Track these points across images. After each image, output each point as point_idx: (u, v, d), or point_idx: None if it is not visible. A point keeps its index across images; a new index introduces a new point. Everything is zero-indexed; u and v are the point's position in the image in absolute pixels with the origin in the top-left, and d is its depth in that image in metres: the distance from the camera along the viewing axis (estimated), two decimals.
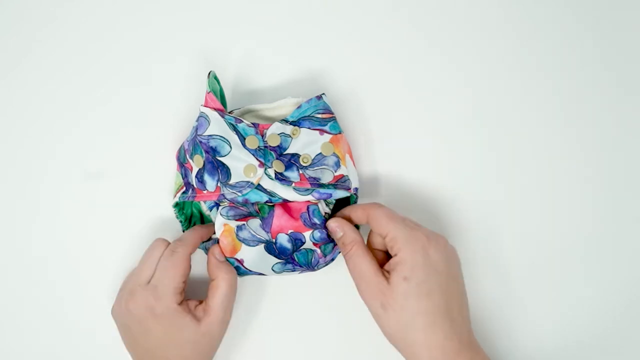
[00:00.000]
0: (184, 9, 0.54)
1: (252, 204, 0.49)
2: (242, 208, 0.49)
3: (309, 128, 0.49)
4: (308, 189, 0.47)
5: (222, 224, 0.48)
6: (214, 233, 0.49)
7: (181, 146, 0.51)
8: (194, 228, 0.50)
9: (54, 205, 0.53)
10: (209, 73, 0.48)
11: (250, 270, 0.49)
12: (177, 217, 0.51)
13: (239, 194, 0.47)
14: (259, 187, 0.47)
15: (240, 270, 0.49)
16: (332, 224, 0.48)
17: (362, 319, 0.49)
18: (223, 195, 0.47)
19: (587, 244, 0.54)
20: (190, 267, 0.48)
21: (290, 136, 0.48)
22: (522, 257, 0.53)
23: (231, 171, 0.47)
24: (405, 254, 0.44)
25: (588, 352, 0.53)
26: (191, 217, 0.52)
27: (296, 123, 0.49)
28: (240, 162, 0.47)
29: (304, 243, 0.48)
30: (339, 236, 0.47)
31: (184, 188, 0.49)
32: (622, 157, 0.54)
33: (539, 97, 0.55)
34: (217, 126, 0.47)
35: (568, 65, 0.55)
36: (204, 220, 0.53)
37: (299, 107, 0.49)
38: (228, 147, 0.47)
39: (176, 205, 0.50)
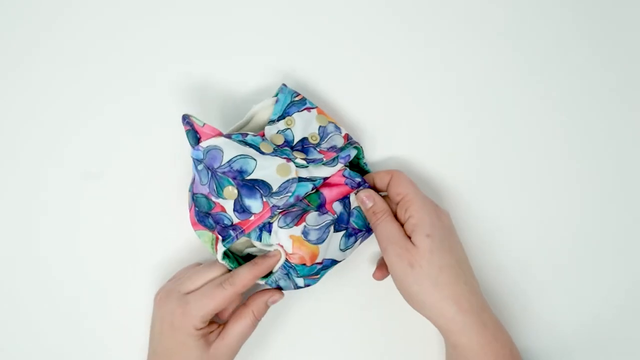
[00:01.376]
0: (185, 14, 0.55)
1: (301, 199, 0.48)
2: (294, 210, 0.48)
3: (298, 111, 0.50)
4: (335, 158, 0.48)
5: (287, 235, 0.47)
6: (271, 270, 0.48)
7: (192, 203, 0.48)
8: (250, 269, 0.47)
9: (54, 205, 0.53)
10: (183, 118, 0.46)
11: (326, 267, 0.48)
12: (229, 266, 0.48)
13: (289, 194, 0.46)
14: (300, 180, 0.47)
15: (320, 272, 0.48)
16: (362, 194, 0.49)
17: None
18: (275, 206, 0.46)
19: (585, 243, 0.54)
20: (226, 304, 0.47)
21: (288, 128, 0.49)
22: (520, 254, 0.54)
23: (268, 181, 0.46)
24: (423, 215, 0.47)
25: (586, 350, 0.53)
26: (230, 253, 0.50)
27: (284, 114, 0.49)
28: (270, 169, 0.46)
29: (350, 203, 0.49)
30: (369, 206, 0.49)
31: (220, 236, 0.47)
32: (618, 157, 0.54)
33: (535, 94, 0.55)
34: (232, 148, 0.46)
35: (569, 66, 0.55)
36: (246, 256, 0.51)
37: (277, 102, 0.50)
38: (253, 161, 0.46)
39: (224, 257, 0.48)
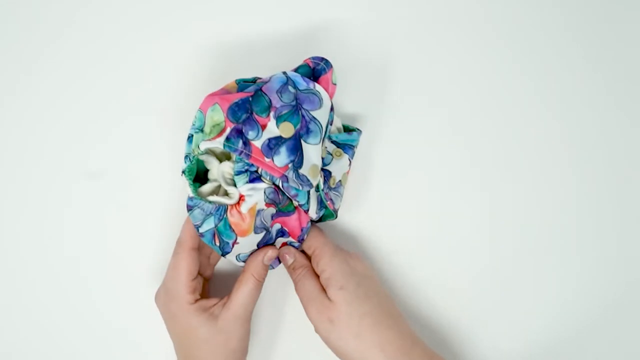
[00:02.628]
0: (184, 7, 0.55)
1: (289, 199, 0.46)
2: (280, 197, 0.45)
3: (349, 158, 0.48)
4: (327, 210, 0.48)
5: (254, 201, 0.44)
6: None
7: (261, 93, 0.44)
8: (186, 221, 0.47)
9: (54, 205, 0.53)
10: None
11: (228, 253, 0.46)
12: (186, 169, 0.45)
13: (300, 187, 0.44)
14: (308, 192, 0.45)
15: (224, 250, 0.46)
16: (283, 250, 0.48)
17: None
18: (286, 177, 0.43)
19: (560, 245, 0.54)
20: (195, 263, 0.46)
21: (332, 155, 0.47)
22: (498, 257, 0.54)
23: (304, 162, 0.44)
24: (334, 267, 0.46)
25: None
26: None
27: (341, 146, 0.48)
28: (313, 159, 0.44)
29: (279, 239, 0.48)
30: (290, 263, 0.48)
31: (226, 134, 0.43)
32: (603, 156, 0.55)
33: (530, 94, 0.55)
34: (324, 115, 0.44)
35: (564, 66, 0.55)
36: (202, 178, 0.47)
37: (350, 133, 0.48)
38: (319, 139, 0.44)
39: (187, 159, 0.45)
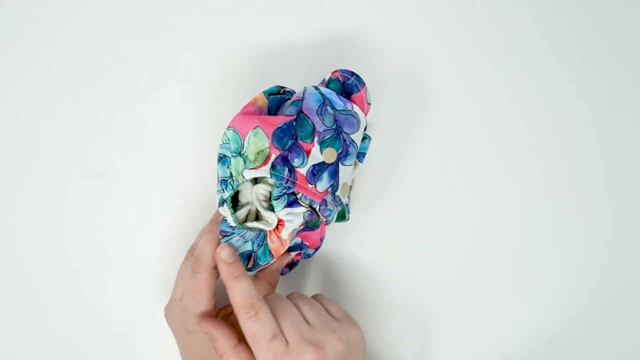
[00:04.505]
0: (198, 17, 0.55)
1: (318, 216, 0.45)
2: (314, 217, 0.45)
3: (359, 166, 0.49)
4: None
5: (295, 226, 0.43)
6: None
7: (303, 116, 0.43)
8: (208, 239, 0.45)
9: (56, 203, 0.53)
10: None
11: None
12: (231, 186, 0.43)
13: (336, 208, 0.44)
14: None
15: (252, 269, 0.45)
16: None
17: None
18: (325, 201, 0.43)
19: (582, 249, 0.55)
20: (215, 281, 0.45)
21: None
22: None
23: (339, 183, 0.44)
24: None
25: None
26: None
27: (357, 156, 0.47)
28: (344, 178, 0.44)
29: (295, 251, 0.48)
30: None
31: (271, 161, 0.42)
32: (604, 156, 0.55)
33: (529, 94, 0.55)
34: (359, 135, 0.44)
35: (563, 67, 0.56)
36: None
37: (363, 141, 0.47)
38: (353, 159, 0.44)
39: (225, 184, 0.43)
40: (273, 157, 0.42)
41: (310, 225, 0.46)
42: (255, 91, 0.47)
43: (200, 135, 0.53)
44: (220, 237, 0.44)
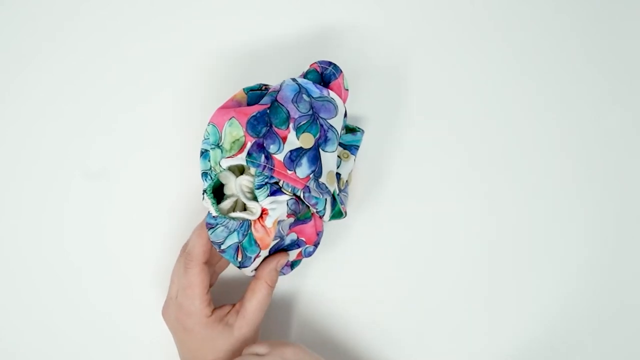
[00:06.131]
0: (197, 17, 0.55)
1: (307, 207, 0.46)
2: (300, 206, 0.45)
3: (354, 159, 0.49)
4: (335, 209, 0.47)
5: (278, 214, 0.43)
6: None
7: (277, 103, 0.44)
8: (198, 234, 0.45)
9: (57, 205, 0.53)
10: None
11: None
12: (210, 176, 0.44)
13: (321, 195, 0.44)
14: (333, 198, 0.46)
15: (243, 264, 0.45)
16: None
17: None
18: (308, 188, 0.43)
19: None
20: (208, 276, 0.46)
21: (340, 158, 0.48)
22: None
23: (323, 170, 0.44)
24: None
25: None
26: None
27: (347, 147, 0.48)
28: (329, 166, 0.45)
29: (292, 249, 0.48)
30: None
31: (247, 149, 0.43)
32: (604, 156, 0.55)
33: (528, 94, 0.55)
34: (339, 121, 0.45)
35: (562, 66, 0.56)
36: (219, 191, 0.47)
37: (355, 134, 0.49)
38: (335, 147, 0.45)
39: (206, 176, 0.44)
40: (249, 145, 0.43)
41: (302, 217, 0.47)
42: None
43: (200, 136, 0.52)
44: (207, 229, 0.44)
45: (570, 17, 0.56)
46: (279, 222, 0.44)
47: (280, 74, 0.54)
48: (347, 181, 0.49)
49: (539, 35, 0.56)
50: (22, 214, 0.53)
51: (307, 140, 0.43)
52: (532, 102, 0.55)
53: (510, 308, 0.54)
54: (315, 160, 0.43)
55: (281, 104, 0.44)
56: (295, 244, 0.48)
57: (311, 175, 0.43)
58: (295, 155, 0.43)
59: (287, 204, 0.44)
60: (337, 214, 0.48)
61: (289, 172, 0.43)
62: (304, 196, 0.44)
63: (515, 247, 0.54)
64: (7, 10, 0.54)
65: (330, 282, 0.53)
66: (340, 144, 0.49)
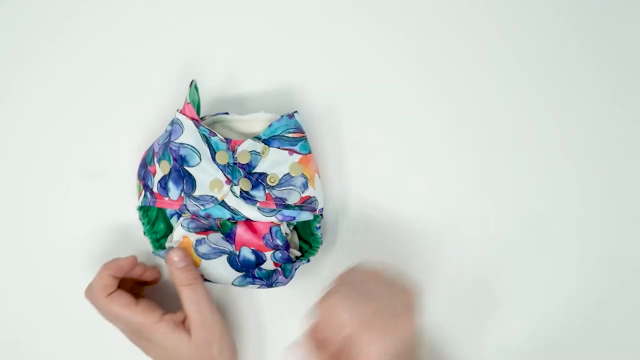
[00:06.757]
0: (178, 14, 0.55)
1: (215, 219, 0.49)
2: (203, 221, 0.49)
3: (278, 147, 0.48)
4: (273, 210, 0.47)
5: (181, 235, 0.48)
6: (133, 265, 0.48)
7: (151, 147, 0.50)
8: (99, 272, 0.48)
9: (57, 205, 0.53)
10: (191, 82, 0.47)
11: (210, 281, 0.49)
12: (140, 219, 0.50)
13: (202, 207, 0.47)
14: (222, 204, 0.47)
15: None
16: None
17: None
18: (185, 206, 0.47)
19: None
20: (126, 295, 0.47)
21: (260, 154, 0.48)
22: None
23: (197, 183, 0.47)
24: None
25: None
26: (156, 219, 0.51)
27: (267, 142, 0.48)
28: (207, 176, 0.47)
29: (264, 261, 0.48)
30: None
31: (143, 190, 0.49)
32: (604, 156, 0.55)
33: (528, 94, 0.55)
34: (190, 136, 0.47)
35: (563, 67, 0.56)
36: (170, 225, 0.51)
37: (270, 125, 0.48)
38: (198, 159, 0.47)
39: (140, 208, 0.49)
40: (142, 186, 0.49)
41: (223, 230, 0.49)
42: (256, 90, 0.51)
43: None
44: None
45: (570, 17, 0.56)
46: (200, 240, 0.48)
47: (280, 74, 0.54)
48: (288, 174, 0.48)
49: (539, 35, 0.56)
50: (22, 214, 0.53)
51: (164, 167, 0.47)
52: (532, 102, 0.55)
53: (510, 308, 0.54)
54: (180, 180, 0.47)
55: (152, 148, 0.50)
56: (260, 258, 0.49)
57: (183, 195, 0.47)
58: (163, 183, 0.47)
59: (182, 225, 0.49)
60: (314, 218, 0.49)
61: (165, 198, 0.47)
62: (189, 212, 0.48)
63: (515, 247, 0.54)
64: (7, 10, 0.54)
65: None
66: (262, 140, 0.48)
